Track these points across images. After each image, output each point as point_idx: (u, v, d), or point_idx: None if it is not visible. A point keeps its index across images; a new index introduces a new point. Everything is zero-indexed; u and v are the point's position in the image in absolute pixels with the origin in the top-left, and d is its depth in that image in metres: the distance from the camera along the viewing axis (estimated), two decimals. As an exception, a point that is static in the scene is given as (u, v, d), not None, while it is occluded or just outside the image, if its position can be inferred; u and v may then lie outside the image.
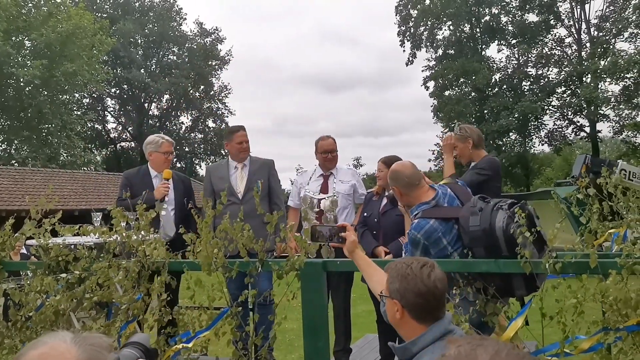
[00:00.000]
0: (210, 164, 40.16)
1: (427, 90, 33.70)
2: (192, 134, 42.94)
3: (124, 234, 3.18)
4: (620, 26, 28.22)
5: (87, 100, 37.06)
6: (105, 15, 35.32)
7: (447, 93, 32.82)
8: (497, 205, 2.77)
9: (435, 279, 1.94)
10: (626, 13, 28.26)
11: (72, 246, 3.39)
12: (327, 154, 4.70)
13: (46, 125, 27.47)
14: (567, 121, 31.38)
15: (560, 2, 30.40)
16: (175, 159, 41.95)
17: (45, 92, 26.75)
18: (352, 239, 2.68)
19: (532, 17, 31.45)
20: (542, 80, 31.26)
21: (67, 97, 29.27)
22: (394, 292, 2.00)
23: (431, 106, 33.51)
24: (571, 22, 30.88)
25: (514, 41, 31.76)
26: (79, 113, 32.00)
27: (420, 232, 2.89)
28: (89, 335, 1.21)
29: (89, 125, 36.34)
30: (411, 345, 1.95)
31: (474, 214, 2.80)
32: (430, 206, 2.96)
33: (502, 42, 32.17)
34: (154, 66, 41.01)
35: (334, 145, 4.75)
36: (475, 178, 3.98)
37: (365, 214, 4.43)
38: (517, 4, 31.23)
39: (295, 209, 4.77)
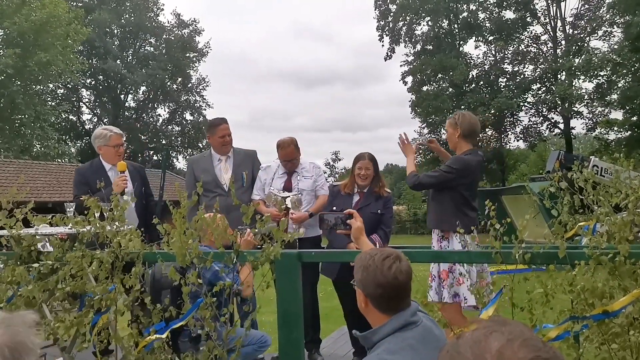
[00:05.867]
0: (187, 157, 39.87)
1: (405, 85, 33.88)
2: (169, 127, 42.51)
3: (97, 225, 3.14)
4: (594, 24, 28.68)
5: (62, 90, 36.41)
6: (80, 5, 34.66)
7: (425, 88, 32.98)
8: None
9: (396, 271, 1.96)
10: (601, 12, 28.74)
11: (46, 238, 3.35)
12: (287, 162, 4.66)
13: (19, 116, 26.85)
14: (541, 118, 31.81)
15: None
16: (152, 152, 41.63)
17: (19, 82, 26.16)
18: (358, 225, 2.81)
19: (509, 14, 31.78)
20: (518, 77, 31.60)
21: (41, 87, 28.73)
22: (358, 282, 2.05)
23: (409, 101, 33.70)
24: (547, 20, 31.28)
25: (491, 38, 32.04)
26: (53, 104, 31.42)
27: None
28: (13, 315, 1.25)
29: (64, 116, 35.74)
30: (371, 334, 2.00)
31: None
32: None
33: (479, 38, 32.42)
34: (130, 57, 40.44)
35: (294, 153, 4.65)
36: (435, 177, 3.92)
37: (335, 208, 4.42)
38: (495, 1, 31.50)
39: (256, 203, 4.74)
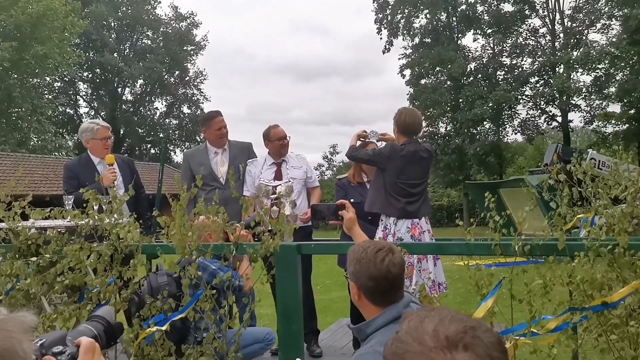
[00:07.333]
0: (185, 150, 39.81)
1: (403, 78, 33.83)
2: (166, 120, 42.41)
3: (96, 217, 3.14)
4: (593, 17, 28.64)
5: (59, 84, 36.27)
6: (77, -3, 34.45)
7: (423, 81, 32.93)
8: None
9: (389, 264, 1.96)
10: (599, 4, 28.68)
11: (43, 230, 3.35)
12: (282, 140, 4.68)
13: (16, 109, 26.77)
14: (539, 111, 31.79)
15: (535, -8, 30.74)
16: (149, 145, 41.54)
17: (15, 75, 26.06)
18: (350, 216, 2.83)
19: (507, 7, 31.70)
20: (516, 70, 31.57)
21: (38, 80, 28.65)
22: (351, 275, 2.06)
23: (407, 94, 33.66)
24: (545, 13, 31.24)
25: (489, 31, 31.97)
26: (50, 97, 31.35)
27: None
28: (7, 317, 1.16)
29: (61, 109, 35.63)
30: (365, 326, 2.01)
31: None
32: None
33: (477, 31, 32.34)
34: (127, 50, 40.29)
35: (284, 131, 4.73)
36: (369, 154, 4.13)
37: (353, 200, 4.39)
38: (493, -6, 31.43)
39: (252, 198, 4.75)
